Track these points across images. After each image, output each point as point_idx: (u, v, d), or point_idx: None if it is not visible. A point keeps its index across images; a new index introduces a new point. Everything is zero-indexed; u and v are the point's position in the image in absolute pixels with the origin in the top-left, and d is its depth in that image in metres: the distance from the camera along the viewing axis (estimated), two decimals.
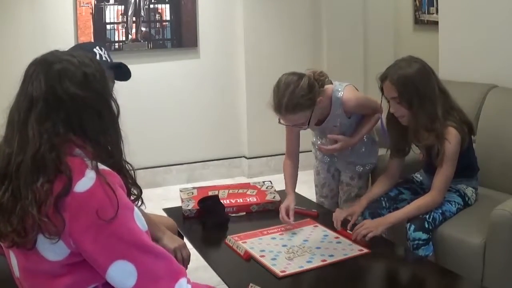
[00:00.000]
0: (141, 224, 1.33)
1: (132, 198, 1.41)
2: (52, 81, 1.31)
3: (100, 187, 1.26)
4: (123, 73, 2.07)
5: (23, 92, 1.33)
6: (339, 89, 2.54)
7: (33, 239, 1.26)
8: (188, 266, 2.11)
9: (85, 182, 1.25)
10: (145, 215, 1.88)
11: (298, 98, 2.33)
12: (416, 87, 2.29)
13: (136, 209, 1.35)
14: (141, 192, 1.45)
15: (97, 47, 1.98)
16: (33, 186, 1.25)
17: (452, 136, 2.30)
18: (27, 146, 1.28)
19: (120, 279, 1.27)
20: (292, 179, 2.60)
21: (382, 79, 2.36)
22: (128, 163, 1.43)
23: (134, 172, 1.44)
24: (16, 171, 1.28)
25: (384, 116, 2.56)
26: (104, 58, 1.97)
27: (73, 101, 1.31)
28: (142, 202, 1.47)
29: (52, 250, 1.27)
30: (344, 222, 2.33)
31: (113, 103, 1.41)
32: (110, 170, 1.32)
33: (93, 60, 1.42)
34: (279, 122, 2.47)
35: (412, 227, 2.30)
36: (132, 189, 1.41)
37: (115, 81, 1.98)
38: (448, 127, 2.31)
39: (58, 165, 1.26)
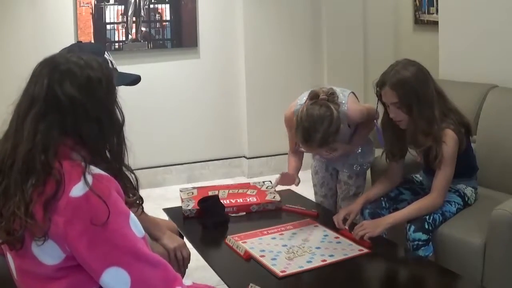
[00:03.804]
0: (137, 230, 1.31)
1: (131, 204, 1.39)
2: (54, 81, 1.30)
3: (95, 193, 1.24)
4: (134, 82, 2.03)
5: (27, 91, 1.33)
6: (343, 102, 2.52)
7: (20, 238, 1.25)
8: (188, 266, 2.11)
9: (81, 187, 1.24)
10: (145, 216, 1.87)
11: (332, 133, 2.33)
12: (415, 90, 2.28)
13: (132, 214, 1.32)
14: (142, 201, 1.44)
15: (107, 53, 1.93)
16: (23, 187, 1.25)
17: (449, 138, 2.30)
18: (20, 145, 1.28)
19: (114, 286, 1.26)
20: (298, 163, 2.69)
21: (380, 85, 2.34)
22: (132, 172, 1.41)
23: (137, 181, 1.42)
24: (9, 169, 1.28)
25: (379, 120, 2.55)
26: (115, 66, 1.91)
27: (71, 103, 1.30)
28: (143, 210, 1.46)
29: (48, 254, 1.26)
30: (343, 221, 2.35)
31: (117, 111, 1.39)
32: (107, 174, 1.31)
33: (102, 64, 1.39)
34: (299, 148, 2.49)
35: (412, 227, 2.30)
36: (131, 195, 1.40)
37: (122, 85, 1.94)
38: (445, 129, 2.30)
39: (47, 168, 1.25)
